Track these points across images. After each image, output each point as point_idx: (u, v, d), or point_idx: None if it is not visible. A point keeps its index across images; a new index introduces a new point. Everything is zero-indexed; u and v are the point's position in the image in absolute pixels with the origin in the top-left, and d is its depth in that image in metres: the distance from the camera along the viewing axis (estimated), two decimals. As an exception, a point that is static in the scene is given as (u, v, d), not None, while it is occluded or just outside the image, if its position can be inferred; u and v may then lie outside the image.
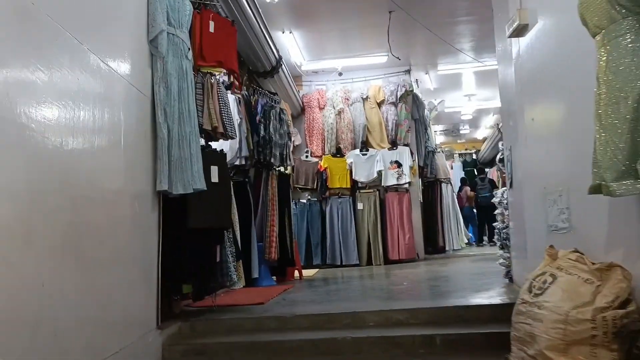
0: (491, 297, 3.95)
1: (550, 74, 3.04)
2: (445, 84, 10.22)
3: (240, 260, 4.32)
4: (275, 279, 6.25)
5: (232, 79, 6.10)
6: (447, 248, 9.46)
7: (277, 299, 4.61)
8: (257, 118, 6.05)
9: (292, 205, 7.44)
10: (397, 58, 7.06)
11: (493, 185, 11.95)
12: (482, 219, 11.97)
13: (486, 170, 12.82)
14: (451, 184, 10.69)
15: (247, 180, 5.93)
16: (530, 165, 3.47)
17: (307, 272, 7.23)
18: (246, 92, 6.09)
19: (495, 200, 4.63)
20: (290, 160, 6.58)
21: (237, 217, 4.38)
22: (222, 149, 4.06)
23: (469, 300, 3.88)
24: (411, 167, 8.42)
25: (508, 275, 4.48)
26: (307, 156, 8.73)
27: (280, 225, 6.13)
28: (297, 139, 8.68)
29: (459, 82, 10.41)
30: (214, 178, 3.82)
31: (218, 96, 4.08)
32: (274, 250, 5.92)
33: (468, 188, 12.39)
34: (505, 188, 4.53)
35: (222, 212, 3.89)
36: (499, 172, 10.71)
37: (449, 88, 10.52)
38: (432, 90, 10.18)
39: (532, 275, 2.66)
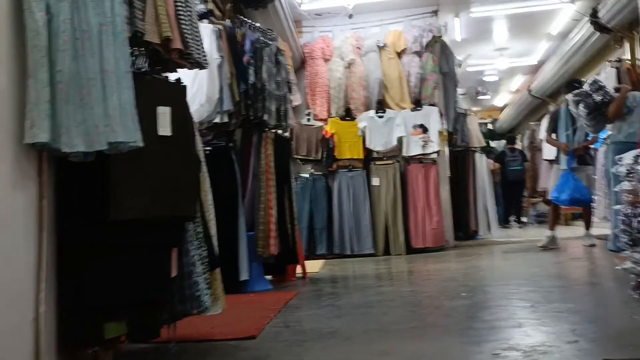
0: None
1: None
2: (475, 34, 8.48)
3: (218, 269, 2.63)
4: (271, 279, 4.64)
5: (208, 6, 4.40)
6: (480, 233, 7.82)
7: (276, 325, 2.94)
8: (245, 59, 4.32)
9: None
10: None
11: (524, 157, 10.31)
12: (509, 196, 10.37)
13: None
14: (486, 155, 9.01)
15: (231, 145, 4.30)
16: None
17: (310, 265, 5.59)
18: (230, 23, 4.35)
19: (620, 169, 2.95)
20: (290, 118, 4.86)
21: (210, 197, 2.66)
22: (180, 78, 2.32)
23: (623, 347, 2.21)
24: (440, 133, 6.71)
25: (642, 288, 2.82)
26: (308, 120, 6.99)
27: (279, 207, 4.45)
28: (296, 99, 6.93)
29: (489, 32, 8.70)
30: (164, 129, 2.09)
31: (173, -12, 2.34)
32: (274, 242, 4.25)
33: (491, 160, 10.67)
34: (637, 151, 2.86)
35: (179, 191, 2.17)
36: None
37: (478, 39, 8.78)
38: (459, 42, 8.38)
39: None
